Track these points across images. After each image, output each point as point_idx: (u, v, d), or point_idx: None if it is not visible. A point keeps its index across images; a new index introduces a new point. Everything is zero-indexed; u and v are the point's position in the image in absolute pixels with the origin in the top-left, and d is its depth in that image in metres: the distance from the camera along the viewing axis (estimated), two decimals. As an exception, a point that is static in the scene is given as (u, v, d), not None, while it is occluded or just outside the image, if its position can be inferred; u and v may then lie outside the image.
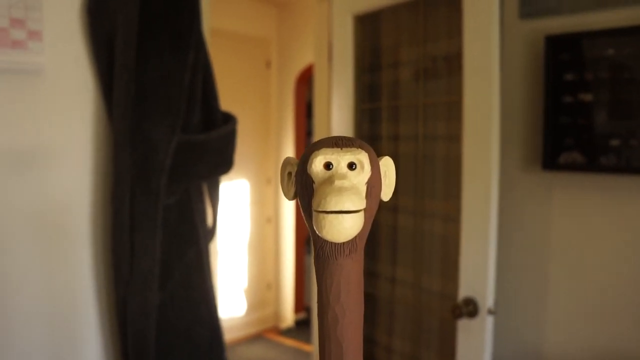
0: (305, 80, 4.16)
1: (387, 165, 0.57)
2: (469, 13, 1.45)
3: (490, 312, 1.45)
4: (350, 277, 0.54)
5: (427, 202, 1.70)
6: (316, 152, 0.52)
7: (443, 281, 1.66)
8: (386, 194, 0.57)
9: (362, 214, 0.50)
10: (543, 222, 1.51)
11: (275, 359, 3.88)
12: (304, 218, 0.56)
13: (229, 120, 1.46)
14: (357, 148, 0.52)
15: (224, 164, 1.47)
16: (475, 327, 1.47)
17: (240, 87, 3.90)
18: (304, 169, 0.53)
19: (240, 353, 3.90)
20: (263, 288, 4.32)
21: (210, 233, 1.51)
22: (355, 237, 0.52)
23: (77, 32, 1.30)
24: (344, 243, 0.52)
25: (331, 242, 0.52)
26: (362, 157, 0.51)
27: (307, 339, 3.62)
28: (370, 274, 1.92)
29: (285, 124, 4.25)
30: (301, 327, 4.29)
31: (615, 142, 1.39)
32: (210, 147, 1.39)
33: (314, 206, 0.49)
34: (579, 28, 1.41)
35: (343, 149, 0.52)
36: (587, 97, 1.44)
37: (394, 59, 1.85)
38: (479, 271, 1.46)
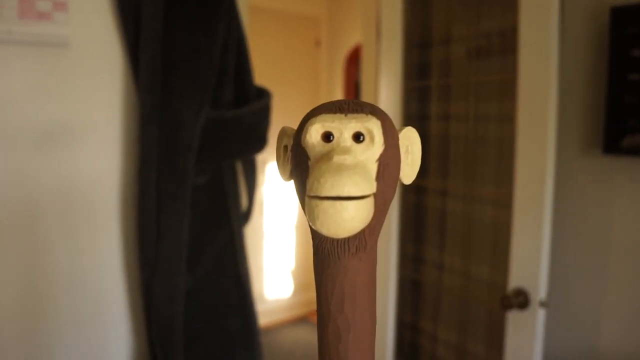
0: (355, 60, 4.09)
1: (411, 139, 0.44)
2: (526, -17, 1.36)
3: (542, 304, 1.37)
4: (356, 281, 0.41)
5: (477, 186, 1.62)
6: (313, 119, 0.40)
7: (493, 270, 1.59)
8: (408, 175, 0.44)
9: (369, 200, 0.38)
10: (603, 210, 1.41)
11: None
12: (299, 203, 0.44)
13: (263, 95, 1.39)
14: (367, 114, 0.40)
15: (257, 142, 1.39)
16: (526, 320, 1.40)
17: (289, 67, 3.86)
18: (298, 141, 0.41)
19: (284, 336, 3.91)
20: (310, 270, 4.31)
21: (245, 216, 1.45)
22: (364, 230, 0.40)
23: (103, 3, 1.27)
24: (349, 238, 0.40)
25: (331, 237, 0.40)
26: (372, 126, 0.39)
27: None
28: (416, 259, 1.86)
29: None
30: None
31: (686, 124, 1.28)
32: (241, 124, 1.31)
33: (307, 190, 0.37)
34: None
35: (348, 115, 0.40)
36: (657, 74, 1.33)
37: (445, 35, 1.77)
38: (531, 261, 1.38)
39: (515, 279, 1.42)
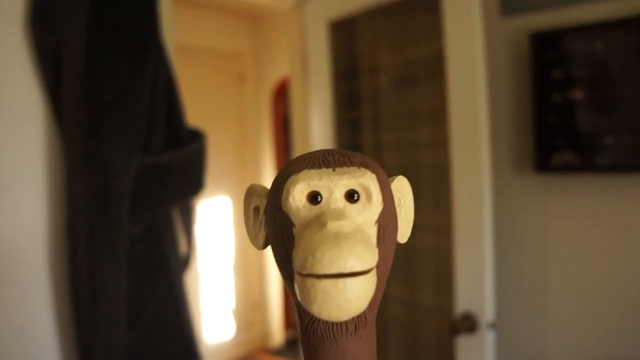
0: (281, 94, 4.09)
1: (403, 189, 0.39)
2: (449, 14, 1.39)
3: (490, 326, 1.37)
4: None
5: (416, 214, 1.63)
6: (294, 176, 0.33)
7: (438, 296, 1.58)
8: (403, 233, 0.39)
9: (373, 273, 0.31)
10: (539, 228, 1.43)
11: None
12: (281, 278, 0.37)
13: (196, 137, 1.33)
14: (359, 167, 0.33)
15: (194, 186, 1.31)
16: (475, 343, 1.39)
17: (214, 104, 3.81)
18: (276, 204, 0.34)
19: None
20: (250, 308, 4.21)
21: (185, 262, 1.38)
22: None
23: (20, 48, 1.19)
24: None
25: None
26: (367, 182, 0.33)
27: (297, 358, 3.52)
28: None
29: (263, 138, 4.18)
30: (291, 345, 4.19)
31: (609, 140, 1.33)
32: (176, 168, 1.25)
33: (297, 266, 0.31)
34: (564, 23, 1.35)
35: (336, 169, 0.33)
36: (577, 94, 1.38)
37: (372, 65, 1.78)
38: (476, 284, 1.39)
39: (462, 303, 1.41)
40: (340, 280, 0.29)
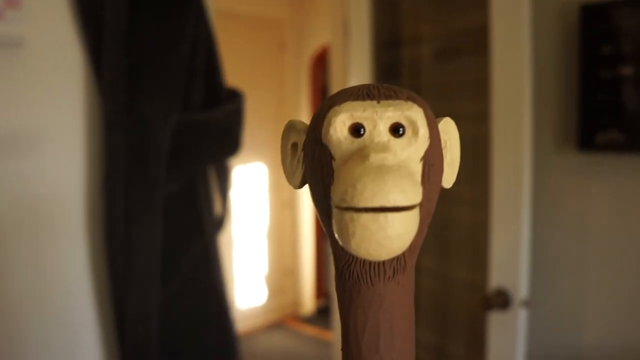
0: (321, 63, 4.06)
1: (449, 132, 0.37)
2: (496, -19, 1.35)
3: (523, 303, 1.35)
4: (394, 312, 0.32)
5: (452, 186, 1.61)
6: (336, 107, 0.31)
7: (472, 271, 1.57)
8: (447, 177, 0.37)
9: (417, 211, 0.29)
10: (579, 206, 1.40)
11: (295, 348, 3.82)
12: (318, 217, 0.35)
13: (235, 96, 1.32)
14: (405, 100, 0.31)
15: (231, 146, 1.31)
16: (508, 320, 1.38)
17: (253, 71, 3.80)
18: (316, 137, 0.32)
19: (259, 343, 3.85)
20: (282, 274, 4.26)
21: (220, 223, 1.39)
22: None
23: (60, 1, 1.19)
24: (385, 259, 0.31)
25: (364, 259, 0.31)
26: (414, 115, 0.30)
27: (327, 326, 3.56)
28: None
29: (301, 107, 4.16)
30: (321, 314, 4.23)
31: (658, 119, 1.28)
32: (214, 127, 1.24)
33: (335, 199, 0.28)
34: (617, -6, 1.30)
35: (381, 101, 0.31)
36: (626, 70, 1.32)
37: (414, 35, 1.75)
38: (511, 260, 1.37)
39: (496, 279, 1.40)
40: (382, 215, 0.27)
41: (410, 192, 0.28)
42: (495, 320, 1.40)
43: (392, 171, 0.28)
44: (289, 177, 0.36)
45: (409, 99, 0.32)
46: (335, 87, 2.08)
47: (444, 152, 0.35)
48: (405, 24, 1.79)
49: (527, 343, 1.41)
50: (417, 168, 0.31)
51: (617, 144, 1.33)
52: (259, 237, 4.00)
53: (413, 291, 0.35)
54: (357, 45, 1.86)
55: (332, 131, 0.31)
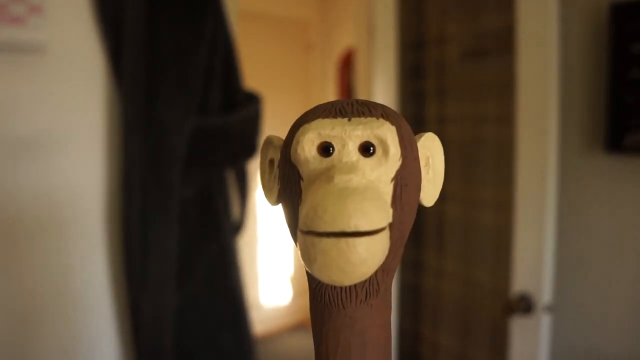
0: (348, 63, 4.05)
1: (432, 149, 0.34)
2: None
3: (547, 308, 1.33)
4: (366, 336, 0.30)
5: (476, 189, 1.59)
6: (306, 125, 0.30)
7: (494, 275, 1.55)
8: (429, 195, 0.34)
9: (384, 234, 0.27)
10: (607, 210, 1.37)
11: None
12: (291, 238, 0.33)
13: (252, 100, 1.33)
14: (377, 118, 0.29)
15: (248, 149, 1.31)
16: (530, 325, 1.36)
17: (279, 71, 3.81)
18: (286, 156, 0.31)
19: (282, 344, 3.86)
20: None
21: (238, 227, 1.39)
22: (377, 271, 0.30)
23: (82, 6, 1.20)
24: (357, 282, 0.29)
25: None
26: (384, 134, 0.29)
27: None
28: (415, 265, 1.82)
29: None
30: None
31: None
32: (231, 131, 1.24)
33: (300, 222, 0.27)
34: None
35: (352, 119, 0.29)
36: (658, 71, 1.29)
37: (439, 36, 1.73)
38: (534, 264, 1.35)
39: (519, 284, 1.38)
40: (343, 240, 0.25)
41: (375, 217, 0.26)
42: (518, 325, 1.38)
43: (356, 194, 0.26)
44: (267, 194, 0.35)
45: (382, 116, 0.30)
46: (361, 89, 2.07)
47: (425, 169, 0.34)
48: (431, 25, 1.77)
49: (551, 348, 1.38)
50: (388, 189, 0.29)
51: (647, 147, 1.30)
52: (285, 236, 4.01)
53: (389, 315, 0.33)
54: (382, 46, 1.85)
55: (300, 150, 0.29)
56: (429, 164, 0.34)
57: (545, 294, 1.33)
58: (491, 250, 1.57)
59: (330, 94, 4.13)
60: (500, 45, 1.52)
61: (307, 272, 0.30)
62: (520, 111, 1.36)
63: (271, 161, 0.35)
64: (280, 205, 0.34)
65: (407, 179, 0.30)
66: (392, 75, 1.83)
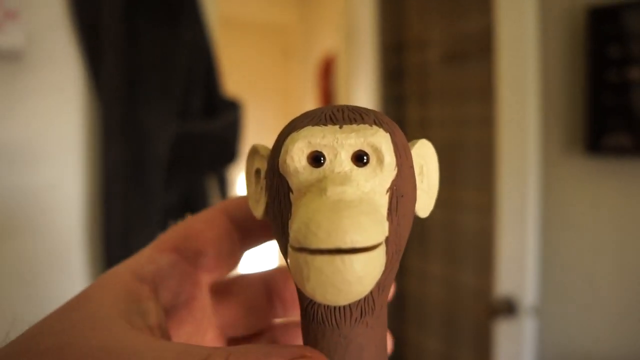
0: (328, 70, 4.05)
1: (426, 155, 0.32)
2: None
3: (530, 311, 1.33)
4: (362, 356, 0.29)
5: (458, 192, 1.59)
6: (294, 134, 0.28)
7: (478, 278, 1.55)
8: (424, 205, 0.32)
9: (381, 250, 0.25)
10: (588, 211, 1.38)
11: None
12: (280, 253, 0.31)
13: (233, 106, 1.32)
14: (371, 125, 0.27)
15: (229, 156, 1.30)
16: (514, 327, 1.36)
17: (257, 77, 3.80)
18: (274, 167, 0.29)
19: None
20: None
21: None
22: (372, 287, 0.27)
23: (58, 11, 1.18)
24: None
25: None
26: (379, 141, 0.27)
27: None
28: (398, 268, 1.81)
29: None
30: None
31: (668, 122, 1.26)
32: (212, 138, 1.24)
33: (290, 237, 0.25)
34: (623, -3, 1.28)
35: (343, 126, 0.27)
36: (635, 73, 1.31)
37: (420, 39, 1.74)
38: (517, 266, 1.35)
39: (502, 286, 1.38)
40: (338, 257, 0.23)
41: (371, 231, 0.24)
42: (502, 328, 1.38)
43: (351, 207, 0.24)
44: (253, 206, 0.33)
45: (375, 122, 0.28)
46: (341, 94, 2.07)
47: (419, 178, 0.31)
48: (412, 27, 1.78)
49: (536, 350, 1.38)
50: (383, 200, 0.27)
51: (626, 147, 1.31)
52: (267, 245, 3.98)
53: (385, 333, 0.31)
54: (363, 50, 1.85)
55: (289, 160, 0.27)
56: (423, 173, 0.32)
57: (528, 296, 1.34)
58: (474, 252, 1.57)
59: (309, 99, 4.12)
60: (480, 48, 1.52)
61: (297, 289, 0.28)
62: (500, 113, 1.37)
63: (257, 171, 0.32)
64: (265, 217, 0.31)
65: (403, 189, 0.28)
66: (372, 79, 1.83)
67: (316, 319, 0.28)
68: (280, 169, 0.27)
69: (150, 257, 0.33)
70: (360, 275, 0.24)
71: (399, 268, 0.31)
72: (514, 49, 1.33)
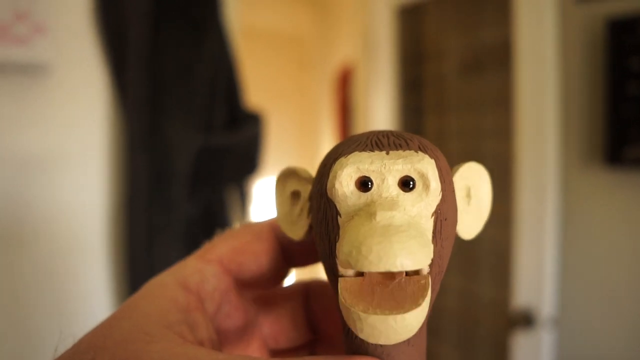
0: (346, 80, 4.06)
1: (474, 178, 0.34)
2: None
3: (549, 322, 1.32)
4: None
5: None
6: (342, 159, 0.28)
7: (496, 289, 1.54)
8: (470, 227, 0.34)
9: (427, 301, 0.27)
10: (608, 223, 1.37)
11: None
12: (325, 275, 0.32)
13: (256, 119, 1.33)
14: (417, 151, 0.28)
15: (251, 168, 1.32)
16: (532, 339, 1.35)
17: (274, 88, 3.82)
18: (321, 190, 0.29)
19: None
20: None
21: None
22: None
23: (85, 25, 1.20)
24: None
25: None
26: (425, 168, 0.27)
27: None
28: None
29: (324, 125, 4.16)
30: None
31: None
32: (234, 151, 1.25)
33: (340, 260, 0.26)
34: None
35: (390, 152, 0.28)
36: (654, 84, 1.30)
37: (438, 51, 1.74)
38: (535, 278, 1.34)
39: (520, 298, 1.37)
40: (391, 318, 0.25)
41: (420, 255, 0.25)
42: (520, 340, 1.38)
43: (400, 232, 0.25)
44: (287, 227, 0.33)
45: (420, 149, 0.29)
46: (359, 105, 2.08)
47: (465, 200, 0.33)
48: (430, 38, 1.78)
49: (554, 363, 1.37)
50: (428, 225, 0.28)
51: (646, 158, 1.30)
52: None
53: (424, 350, 0.32)
54: (381, 61, 1.86)
55: (337, 185, 0.28)
56: (470, 195, 0.33)
57: (546, 308, 1.33)
58: (492, 264, 1.56)
59: (327, 110, 4.13)
60: (498, 59, 1.53)
61: (338, 307, 0.29)
62: (519, 125, 1.37)
63: (295, 193, 0.33)
64: (305, 238, 0.32)
65: (446, 213, 0.29)
66: (390, 90, 1.84)
67: (359, 338, 0.28)
68: (328, 193, 0.28)
69: (196, 267, 0.33)
70: (410, 329, 0.25)
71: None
72: (533, 60, 1.33)
